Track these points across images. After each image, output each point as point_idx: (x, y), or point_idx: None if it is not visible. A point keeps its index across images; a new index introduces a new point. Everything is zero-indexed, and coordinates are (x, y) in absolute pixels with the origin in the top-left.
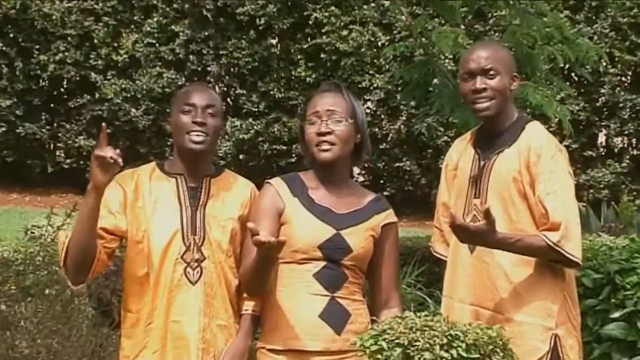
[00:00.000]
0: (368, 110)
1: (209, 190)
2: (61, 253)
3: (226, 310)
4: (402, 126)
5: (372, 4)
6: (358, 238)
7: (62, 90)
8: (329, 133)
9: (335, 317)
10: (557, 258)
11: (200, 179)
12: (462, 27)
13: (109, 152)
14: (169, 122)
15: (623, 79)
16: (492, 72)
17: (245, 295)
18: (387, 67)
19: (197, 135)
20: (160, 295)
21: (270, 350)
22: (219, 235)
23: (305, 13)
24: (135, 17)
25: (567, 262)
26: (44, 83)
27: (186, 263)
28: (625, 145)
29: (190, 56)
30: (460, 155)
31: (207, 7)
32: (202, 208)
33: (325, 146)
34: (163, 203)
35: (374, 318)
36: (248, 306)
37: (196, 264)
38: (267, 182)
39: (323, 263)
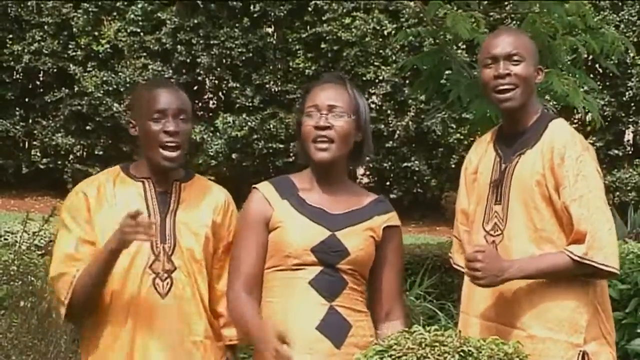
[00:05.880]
0: (373, 105)
1: (179, 196)
2: (66, 292)
3: (202, 325)
4: (410, 122)
5: None
6: (356, 240)
7: (37, 83)
8: (328, 128)
9: (335, 329)
10: (589, 272)
11: (170, 184)
12: (478, 13)
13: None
14: (132, 125)
15: None
16: (516, 58)
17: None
18: (393, 58)
19: (171, 148)
20: (125, 310)
21: None
22: (191, 244)
23: None
24: (118, 4)
25: (602, 274)
26: (18, 75)
27: (155, 274)
28: None
29: (178, 46)
30: (480, 157)
31: None
32: (172, 214)
33: (323, 144)
34: (129, 209)
35: (378, 332)
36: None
37: (166, 274)
38: (254, 187)
39: (319, 268)
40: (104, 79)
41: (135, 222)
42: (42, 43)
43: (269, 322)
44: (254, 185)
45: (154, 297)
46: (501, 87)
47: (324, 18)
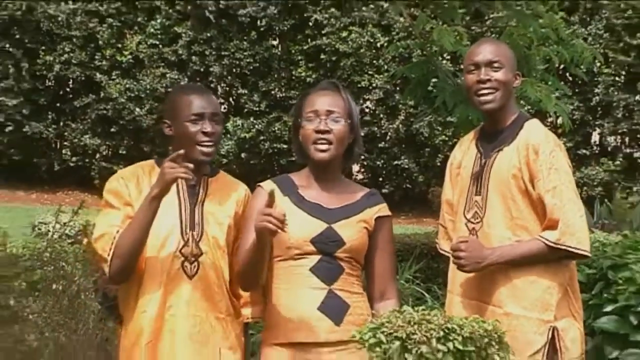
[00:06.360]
0: (367, 110)
1: (206, 189)
2: (109, 248)
3: (224, 304)
4: (400, 125)
5: (371, 6)
6: (351, 230)
7: (67, 90)
8: (327, 132)
9: (334, 309)
10: (562, 255)
11: (199, 179)
12: (461, 27)
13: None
14: (167, 125)
15: (617, 78)
16: (497, 65)
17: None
18: (386, 67)
19: (208, 147)
20: (155, 287)
21: (273, 343)
22: (216, 232)
23: (305, 14)
24: (139, 19)
25: (575, 257)
26: (49, 83)
27: (184, 257)
28: (619, 143)
29: (193, 57)
30: (464, 153)
31: (209, 8)
32: (200, 205)
33: (323, 146)
34: (163, 199)
35: (374, 312)
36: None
37: (194, 258)
38: (259, 186)
39: (318, 257)
40: (127, 86)
41: (175, 163)
42: (71, 54)
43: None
44: (258, 184)
45: (182, 278)
46: (482, 91)
47: (323, 32)
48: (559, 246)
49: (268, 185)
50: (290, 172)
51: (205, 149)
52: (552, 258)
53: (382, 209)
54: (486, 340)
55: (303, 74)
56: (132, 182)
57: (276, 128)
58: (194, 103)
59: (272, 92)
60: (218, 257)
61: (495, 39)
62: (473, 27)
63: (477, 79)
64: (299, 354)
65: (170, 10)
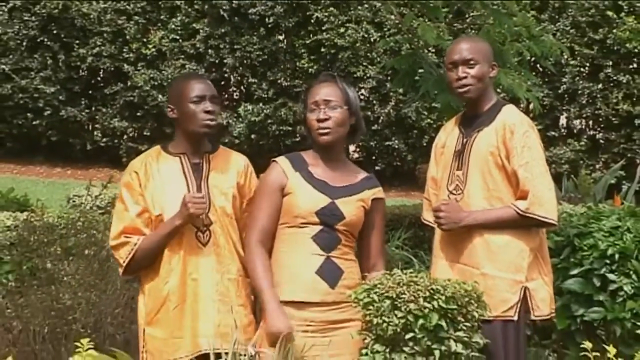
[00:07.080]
0: (362, 97)
1: (209, 165)
2: (126, 257)
3: (234, 266)
4: (391, 110)
5: (366, 5)
6: (350, 207)
7: (98, 79)
8: (326, 119)
9: (330, 273)
10: (532, 223)
11: (201, 156)
12: (443, 24)
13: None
14: (171, 110)
15: (582, 69)
16: (472, 62)
17: None
18: (378, 59)
19: (211, 121)
20: (175, 257)
21: None
22: (222, 202)
23: (308, 13)
24: (162, 16)
25: (543, 225)
26: (83, 73)
27: (196, 228)
28: (583, 126)
29: (209, 50)
30: (447, 135)
31: (224, 7)
32: (205, 180)
33: (325, 130)
34: (171, 179)
35: (365, 275)
36: None
37: (205, 228)
38: (274, 161)
39: (320, 227)
40: (151, 75)
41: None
42: (102, 47)
43: (279, 305)
44: (273, 159)
45: (197, 246)
46: (462, 86)
47: (323, 28)
48: (527, 214)
49: (282, 161)
50: (294, 152)
51: (208, 122)
52: (522, 225)
53: (378, 192)
54: (466, 299)
55: (306, 65)
56: (141, 171)
57: (282, 113)
58: (196, 87)
59: (279, 81)
60: (226, 224)
61: (473, 35)
62: (455, 25)
63: (456, 77)
64: (297, 311)
65: (189, 9)
